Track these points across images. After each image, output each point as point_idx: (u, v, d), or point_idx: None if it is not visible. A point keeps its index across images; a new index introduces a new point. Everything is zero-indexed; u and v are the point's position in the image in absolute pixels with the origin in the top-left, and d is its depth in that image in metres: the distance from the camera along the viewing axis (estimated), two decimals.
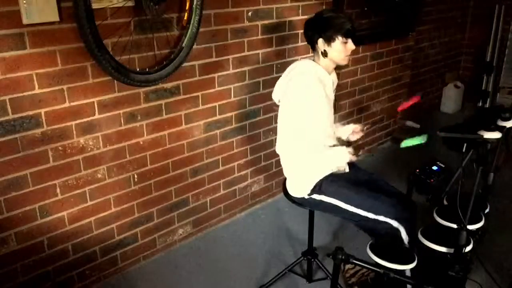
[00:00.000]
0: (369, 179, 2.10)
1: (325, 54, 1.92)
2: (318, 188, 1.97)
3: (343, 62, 1.99)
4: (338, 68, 2.08)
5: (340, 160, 1.97)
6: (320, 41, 1.91)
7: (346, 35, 1.89)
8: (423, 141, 1.88)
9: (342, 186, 1.96)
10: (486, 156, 1.71)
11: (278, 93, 2.04)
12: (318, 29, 1.90)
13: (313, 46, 1.96)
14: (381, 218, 1.88)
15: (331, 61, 1.96)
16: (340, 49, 1.91)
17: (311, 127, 1.90)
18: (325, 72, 1.97)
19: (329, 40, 1.90)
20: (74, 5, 1.70)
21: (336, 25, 1.87)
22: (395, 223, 1.87)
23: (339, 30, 1.87)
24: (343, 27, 1.88)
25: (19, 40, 1.68)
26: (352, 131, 2.19)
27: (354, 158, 1.94)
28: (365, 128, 2.21)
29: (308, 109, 1.88)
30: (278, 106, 2.05)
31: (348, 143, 2.18)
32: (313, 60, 2.00)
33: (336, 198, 1.95)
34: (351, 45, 1.92)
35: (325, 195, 1.97)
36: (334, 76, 2.06)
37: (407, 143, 1.91)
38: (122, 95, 2.06)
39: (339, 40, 1.89)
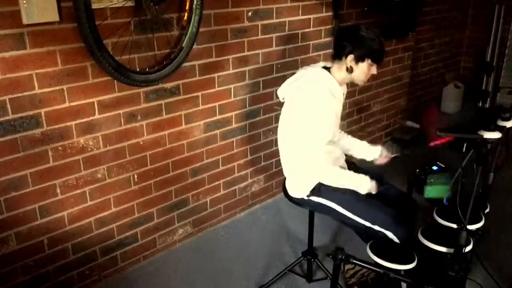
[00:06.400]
0: None
1: (350, 70, 1.91)
2: (318, 190, 1.97)
3: (361, 83, 1.99)
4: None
5: (360, 187, 1.95)
6: (351, 57, 1.88)
7: (375, 60, 1.89)
8: (447, 194, 1.88)
9: (341, 190, 1.95)
10: (486, 156, 1.71)
11: (284, 92, 2.03)
12: (353, 45, 1.87)
13: (339, 56, 1.93)
14: (377, 227, 1.88)
15: (350, 77, 1.95)
16: (364, 71, 1.91)
17: (320, 131, 1.90)
18: (337, 85, 1.95)
19: (358, 59, 1.88)
20: (74, 5, 1.70)
21: (371, 48, 1.86)
22: (390, 234, 1.87)
23: (372, 53, 1.87)
24: (377, 51, 1.88)
25: (19, 40, 1.68)
26: (380, 154, 2.19)
27: (373, 191, 1.94)
28: (394, 155, 2.20)
29: (316, 117, 1.87)
30: (279, 106, 2.05)
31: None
32: (329, 68, 1.97)
33: (334, 202, 1.95)
34: (374, 70, 1.93)
35: (323, 197, 1.97)
36: (344, 87, 2.06)
37: (431, 193, 1.89)
38: (122, 95, 2.06)
39: (367, 62, 1.89)
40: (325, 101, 1.89)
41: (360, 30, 1.88)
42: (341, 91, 1.99)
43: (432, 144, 2.09)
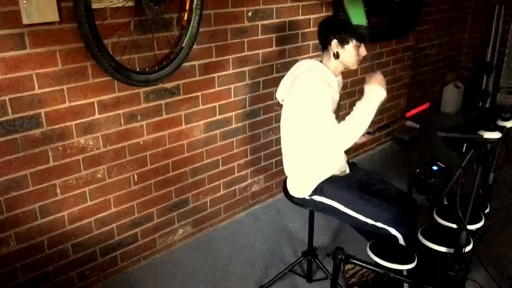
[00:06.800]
0: (369, 181, 2.10)
1: (337, 55, 1.92)
2: (320, 189, 1.97)
3: (353, 66, 1.98)
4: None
5: (376, 102, 1.83)
6: (334, 42, 1.90)
7: (360, 39, 1.90)
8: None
9: (343, 189, 1.95)
10: (486, 156, 1.71)
11: (282, 92, 2.03)
12: (334, 30, 1.89)
13: (325, 46, 1.95)
14: (380, 225, 1.88)
15: (341, 64, 1.96)
16: (352, 53, 1.91)
17: (318, 125, 1.89)
18: (331, 74, 1.95)
19: (343, 42, 1.89)
20: (74, 5, 1.71)
21: (352, 28, 1.88)
22: (393, 231, 1.87)
23: (354, 33, 1.88)
24: (359, 31, 1.88)
25: (19, 40, 1.68)
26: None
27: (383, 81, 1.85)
28: (372, 131, 2.21)
29: (314, 107, 1.86)
30: (280, 106, 2.05)
31: None
32: (321, 61, 1.98)
33: (336, 201, 1.95)
34: (363, 50, 1.93)
35: (325, 197, 1.97)
36: (340, 78, 2.06)
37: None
38: (122, 95, 2.06)
39: (352, 43, 1.89)
40: (322, 91, 1.88)
41: (338, 16, 1.91)
42: (336, 80, 1.99)
43: (408, 115, 2.11)
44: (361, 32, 1.89)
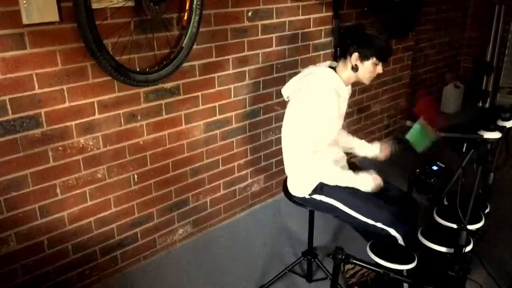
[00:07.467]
0: None
1: (355, 68, 1.92)
2: (320, 188, 1.97)
3: (366, 81, 2.00)
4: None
5: (363, 186, 1.96)
6: (356, 55, 1.90)
7: (380, 58, 1.90)
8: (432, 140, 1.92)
9: (344, 188, 1.95)
10: (486, 156, 1.71)
11: (289, 91, 2.04)
12: (358, 43, 1.89)
13: (344, 55, 1.95)
14: (379, 225, 1.88)
15: (355, 76, 1.96)
16: (369, 69, 1.92)
17: (318, 132, 1.90)
18: (342, 84, 1.96)
19: (363, 57, 1.90)
20: (74, 5, 1.70)
21: (376, 45, 1.88)
22: (393, 231, 1.88)
23: (377, 51, 1.89)
24: (382, 50, 1.89)
25: (19, 40, 1.68)
26: (382, 150, 2.24)
27: (381, 183, 1.97)
28: (395, 149, 2.24)
29: (318, 116, 1.88)
30: (279, 106, 2.05)
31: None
32: (334, 68, 1.99)
33: (337, 200, 1.95)
34: (380, 69, 1.94)
35: (325, 195, 1.97)
36: (349, 87, 2.07)
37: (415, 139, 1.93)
38: (122, 95, 2.06)
39: (372, 60, 1.90)
40: (329, 101, 1.89)
41: (365, 29, 1.93)
42: (347, 90, 2.00)
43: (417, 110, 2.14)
44: (383, 51, 1.90)
